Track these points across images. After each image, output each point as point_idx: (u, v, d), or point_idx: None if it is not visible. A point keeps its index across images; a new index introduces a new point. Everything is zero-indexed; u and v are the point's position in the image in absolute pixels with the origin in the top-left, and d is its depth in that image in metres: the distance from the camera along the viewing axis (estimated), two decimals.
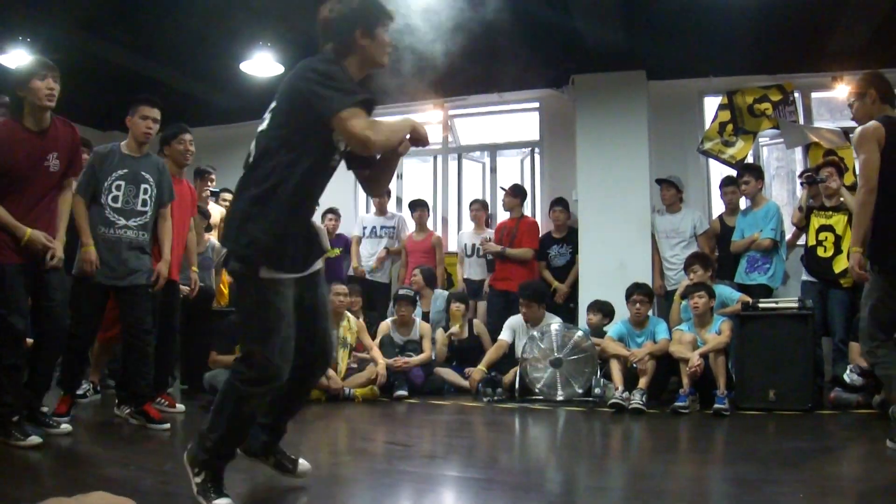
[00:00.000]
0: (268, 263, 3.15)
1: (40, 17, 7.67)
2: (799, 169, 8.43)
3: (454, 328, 7.99)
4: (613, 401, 6.39)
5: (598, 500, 3.78)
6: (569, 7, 7.31)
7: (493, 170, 10.42)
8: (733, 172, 8.25)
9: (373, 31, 3.43)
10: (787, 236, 7.56)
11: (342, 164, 3.61)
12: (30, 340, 4.77)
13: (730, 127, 8.64)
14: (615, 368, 6.72)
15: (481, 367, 7.40)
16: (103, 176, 5.18)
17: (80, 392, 6.48)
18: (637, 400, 6.30)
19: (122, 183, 5.21)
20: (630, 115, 8.59)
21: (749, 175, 7.66)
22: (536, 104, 10.03)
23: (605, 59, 8.40)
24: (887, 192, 4.43)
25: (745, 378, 6.47)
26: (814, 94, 8.73)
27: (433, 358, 7.81)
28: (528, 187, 9.69)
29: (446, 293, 8.54)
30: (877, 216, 4.47)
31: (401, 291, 8.05)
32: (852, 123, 5.00)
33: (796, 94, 8.56)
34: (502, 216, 9.32)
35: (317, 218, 4.91)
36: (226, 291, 8.06)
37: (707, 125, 8.92)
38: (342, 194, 9.92)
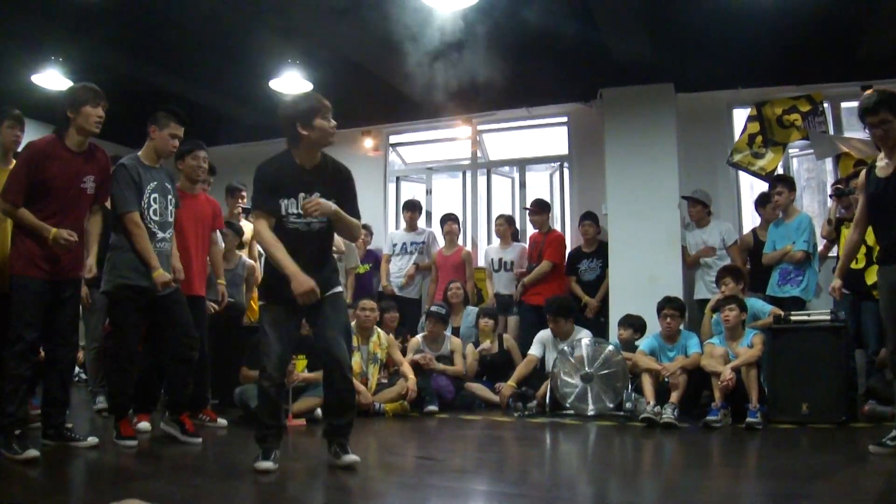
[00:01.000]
0: None
1: (72, 38, 7.79)
2: (830, 179, 8.36)
3: (485, 344, 7.99)
4: (645, 415, 6.35)
5: None
6: (595, 21, 7.30)
7: (523, 185, 10.43)
8: (764, 185, 8.20)
9: (310, 122, 4.21)
10: (820, 248, 7.49)
11: None
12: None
13: (759, 139, 8.59)
14: (647, 383, 6.67)
15: (511, 382, 7.39)
16: (142, 190, 5.18)
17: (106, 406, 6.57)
18: (669, 414, 6.26)
19: (157, 195, 5.26)
20: (658, 128, 8.56)
21: (782, 186, 7.59)
22: (565, 118, 10.05)
23: (632, 73, 8.38)
24: None
25: (777, 391, 6.40)
26: (843, 104, 8.67)
27: (465, 372, 7.80)
28: (557, 202, 9.70)
29: (476, 309, 8.55)
30: None
31: (432, 308, 8.05)
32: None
33: (825, 105, 8.48)
34: (532, 229, 9.28)
35: None
36: (256, 307, 8.10)
37: (736, 137, 8.87)
38: (372, 211, 9.95)
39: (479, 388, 7.79)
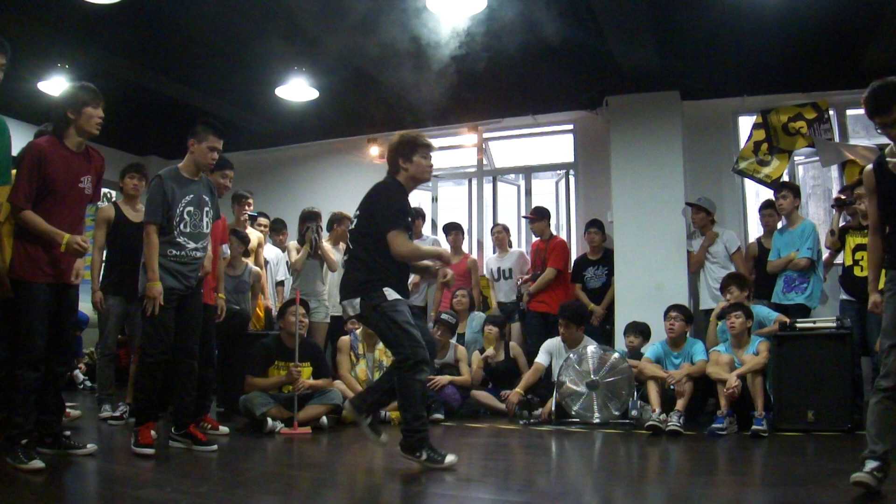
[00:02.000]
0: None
1: (79, 45, 7.84)
2: (835, 187, 8.35)
3: (488, 350, 7.98)
4: (650, 423, 6.34)
5: None
6: (601, 29, 7.32)
7: (528, 192, 10.43)
8: (770, 193, 8.19)
9: (410, 158, 4.78)
10: (825, 256, 7.49)
11: None
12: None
13: (765, 146, 8.58)
14: (652, 390, 6.67)
15: (518, 389, 7.37)
16: (174, 203, 5.19)
17: (116, 413, 6.57)
18: (674, 422, 6.25)
19: (192, 208, 5.27)
20: (664, 136, 8.57)
21: (786, 190, 7.59)
22: (571, 126, 10.05)
23: (638, 80, 8.40)
24: None
25: (783, 399, 6.39)
26: (849, 112, 8.65)
27: (471, 381, 7.79)
28: (562, 209, 9.68)
29: (482, 315, 8.54)
30: None
31: (443, 316, 8.03)
32: (888, 140, 4.96)
33: (831, 112, 8.48)
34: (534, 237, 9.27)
35: None
36: (262, 315, 8.12)
37: (742, 144, 8.86)
38: None
39: (484, 396, 7.78)
